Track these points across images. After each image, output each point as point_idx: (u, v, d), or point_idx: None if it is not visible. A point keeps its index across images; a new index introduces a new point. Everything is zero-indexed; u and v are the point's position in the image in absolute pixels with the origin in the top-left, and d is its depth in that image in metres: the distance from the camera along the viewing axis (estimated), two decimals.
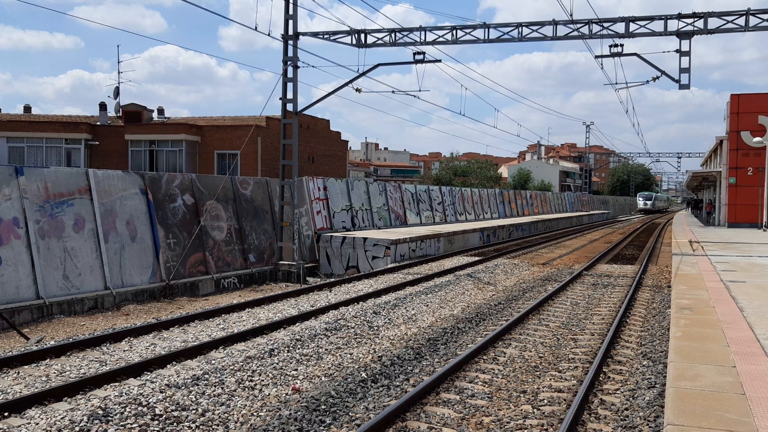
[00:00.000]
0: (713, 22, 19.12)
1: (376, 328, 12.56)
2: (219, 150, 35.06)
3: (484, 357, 10.29)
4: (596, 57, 20.95)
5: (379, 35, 21.15)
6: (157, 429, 7.12)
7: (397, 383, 9.01)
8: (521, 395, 8.47)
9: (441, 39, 20.67)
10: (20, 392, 8.29)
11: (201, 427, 7.26)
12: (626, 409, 7.90)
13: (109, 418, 7.30)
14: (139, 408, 7.63)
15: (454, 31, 20.58)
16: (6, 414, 7.41)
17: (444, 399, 8.26)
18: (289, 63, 21.11)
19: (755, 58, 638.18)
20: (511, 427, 7.37)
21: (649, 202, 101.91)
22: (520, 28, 20.25)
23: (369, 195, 29.30)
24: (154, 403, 7.81)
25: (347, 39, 21.37)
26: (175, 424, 7.29)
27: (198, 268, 18.32)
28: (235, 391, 8.47)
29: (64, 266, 14.61)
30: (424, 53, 20.96)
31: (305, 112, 23.58)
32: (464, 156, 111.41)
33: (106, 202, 16.02)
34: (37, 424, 7.15)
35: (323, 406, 7.93)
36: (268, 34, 20.17)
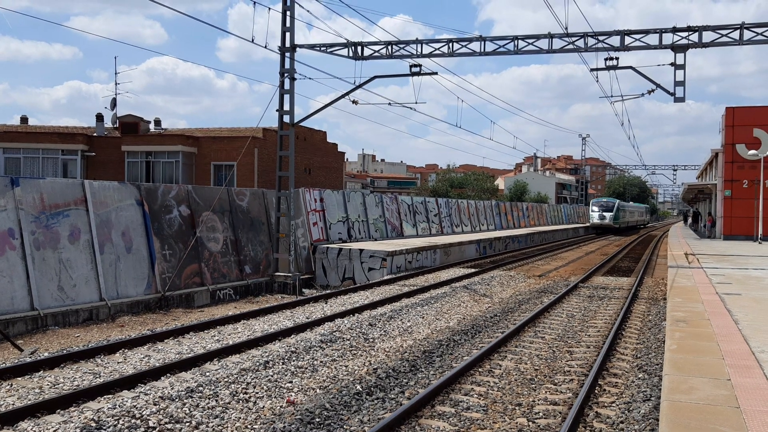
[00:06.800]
0: (708, 36, 19.26)
1: (371, 340, 12.53)
2: (216, 161, 35.07)
3: (480, 369, 10.27)
4: (591, 70, 21.07)
5: (376, 48, 21.25)
6: None
7: (392, 396, 8.98)
8: (516, 408, 8.45)
9: (437, 51, 20.77)
10: (13, 404, 8.24)
11: None
12: (621, 422, 7.89)
13: (102, 431, 7.26)
14: (133, 420, 7.59)
15: (451, 44, 20.68)
16: None
17: (439, 412, 8.23)
18: (286, 75, 21.18)
19: (752, 71, 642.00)
20: None
21: (608, 215, 62.19)
22: (515, 41, 20.36)
23: (365, 206, 29.32)
24: (148, 415, 7.78)
25: (344, 51, 21.47)
26: None
27: (194, 279, 18.28)
28: (229, 403, 8.44)
29: (59, 277, 14.56)
30: (420, 66, 21.06)
31: (302, 124, 23.62)
32: (461, 168, 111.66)
33: (101, 213, 15.99)
34: None
35: (318, 419, 7.90)
36: (265, 47, 20.26)
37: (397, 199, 33.59)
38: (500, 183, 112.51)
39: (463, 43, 20.67)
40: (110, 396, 8.58)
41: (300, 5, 20.98)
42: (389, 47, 21.13)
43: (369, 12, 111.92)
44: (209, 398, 8.56)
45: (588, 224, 65.56)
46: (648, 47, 19.59)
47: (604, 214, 62.09)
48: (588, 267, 27.48)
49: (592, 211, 63.95)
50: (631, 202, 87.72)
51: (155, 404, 8.17)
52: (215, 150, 35.14)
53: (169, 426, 7.52)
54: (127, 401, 8.27)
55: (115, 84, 41.80)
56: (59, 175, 34.10)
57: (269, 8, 20.35)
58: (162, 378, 9.48)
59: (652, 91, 20.70)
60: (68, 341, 12.80)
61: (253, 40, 19.37)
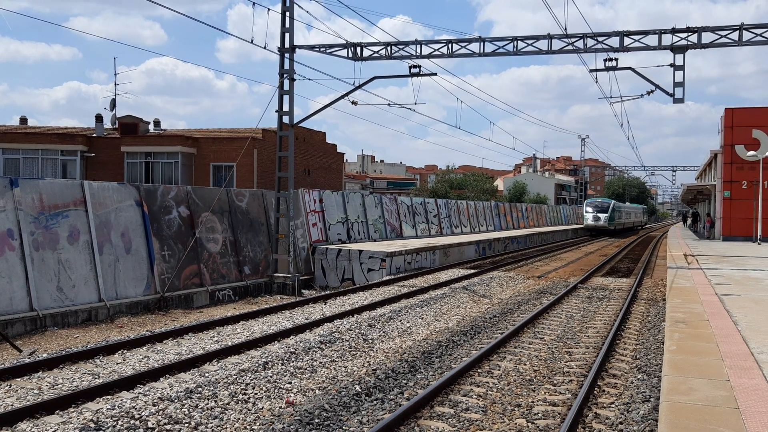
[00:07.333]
0: (707, 37, 19.27)
1: (370, 340, 12.53)
2: (215, 162, 35.05)
3: (479, 370, 10.27)
4: (591, 71, 21.07)
5: (375, 48, 21.25)
6: None
7: (392, 396, 8.98)
8: (516, 409, 8.45)
9: (437, 52, 20.78)
10: (12, 405, 8.23)
11: None
12: (621, 423, 7.89)
13: None
14: (132, 421, 7.58)
15: (450, 45, 20.69)
16: None
17: (438, 412, 8.23)
18: (285, 76, 21.18)
19: (752, 71, 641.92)
20: None
21: (602, 216, 59.03)
22: (515, 42, 20.37)
23: (365, 207, 29.32)
24: (147, 416, 7.77)
25: (343, 52, 21.47)
26: None
27: (193, 280, 18.27)
28: (228, 404, 8.43)
29: (58, 278, 14.55)
30: (420, 66, 21.05)
31: (301, 125, 23.62)
32: (460, 169, 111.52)
33: (101, 213, 15.98)
34: None
35: (317, 420, 7.89)
36: (265, 47, 20.26)
37: (396, 199, 33.58)
38: (499, 184, 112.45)
39: (463, 44, 20.68)
40: (109, 397, 8.58)
41: (299, 6, 21.02)
42: (389, 48, 21.13)
43: (368, 13, 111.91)
44: (208, 399, 8.55)
45: (582, 226, 62.33)
46: (647, 48, 19.60)
47: (599, 215, 58.94)
48: (587, 268, 27.48)
49: (586, 212, 60.74)
50: (627, 203, 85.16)
51: (154, 405, 8.16)
52: (214, 151, 35.13)
53: (168, 427, 7.51)
54: (126, 402, 8.27)
55: (115, 85, 41.90)
56: (58, 176, 34.09)
57: (269, 9, 20.37)
58: (161, 379, 9.48)
59: (652, 92, 20.70)
60: (67, 342, 12.79)
61: (252, 41, 19.38)
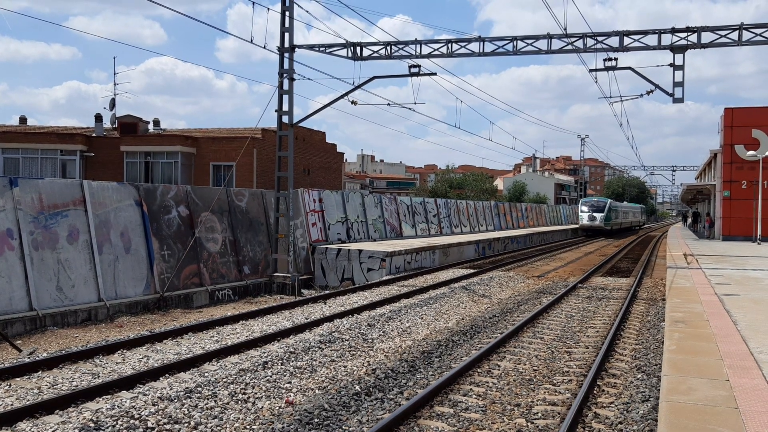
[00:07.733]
0: (707, 37, 19.28)
1: (370, 340, 12.53)
2: (215, 162, 35.06)
3: (479, 370, 10.27)
4: (590, 71, 21.07)
5: (375, 48, 21.25)
6: None
7: (391, 396, 8.98)
8: (515, 408, 8.45)
9: (436, 52, 20.78)
10: (11, 405, 8.23)
11: None
12: (620, 422, 7.89)
13: (101, 431, 7.26)
14: (131, 421, 7.58)
15: (450, 45, 20.69)
16: None
17: (438, 412, 8.23)
18: (285, 75, 21.18)
19: (752, 71, 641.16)
20: None
21: (599, 216, 57.02)
22: (514, 42, 20.37)
23: (364, 207, 29.31)
24: (147, 416, 7.77)
25: (343, 52, 21.47)
26: None
27: (192, 279, 18.27)
28: (228, 404, 8.43)
29: (57, 278, 14.55)
30: (419, 66, 21.05)
31: (301, 125, 23.62)
32: (460, 168, 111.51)
33: (100, 213, 15.98)
34: None
35: (316, 420, 7.89)
36: (264, 47, 20.27)
37: (396, 199, 33.58)
38: (499, 183, 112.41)
39: (463, 44, 20.69)
40: (109, 396, 8.58)
41: (299, 5, 21.02)
42: (388, 48, 21.13)
43: (368, 12, 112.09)
44: (208, 399, 8.55)
45: (577, 226, 60.42)
46: (647, 48, 19.61)
47: (595, 214, 56.93)
48: (587, 268, 27.48)
49: (582, 211, 58.40)
50: (625, 202, 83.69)
51: (154, 405, 8.16)
52: (214, 150, 35.14)
53: (167, 426, 7.51)
54: (125, 402, 8.27)
55: (114, 84, 41.94)
56: (58, 176, 34.08)
57: (268, 8, 20.39)
58: (161, 378, 9.48)
59: (651, 91, 20.72)
60: (67, 342, 12.79)
61: (252, 41, 19.38)
